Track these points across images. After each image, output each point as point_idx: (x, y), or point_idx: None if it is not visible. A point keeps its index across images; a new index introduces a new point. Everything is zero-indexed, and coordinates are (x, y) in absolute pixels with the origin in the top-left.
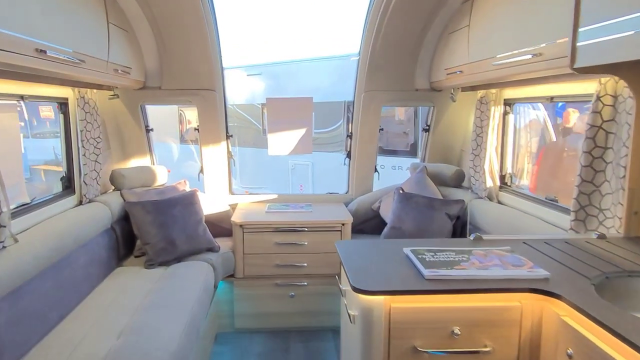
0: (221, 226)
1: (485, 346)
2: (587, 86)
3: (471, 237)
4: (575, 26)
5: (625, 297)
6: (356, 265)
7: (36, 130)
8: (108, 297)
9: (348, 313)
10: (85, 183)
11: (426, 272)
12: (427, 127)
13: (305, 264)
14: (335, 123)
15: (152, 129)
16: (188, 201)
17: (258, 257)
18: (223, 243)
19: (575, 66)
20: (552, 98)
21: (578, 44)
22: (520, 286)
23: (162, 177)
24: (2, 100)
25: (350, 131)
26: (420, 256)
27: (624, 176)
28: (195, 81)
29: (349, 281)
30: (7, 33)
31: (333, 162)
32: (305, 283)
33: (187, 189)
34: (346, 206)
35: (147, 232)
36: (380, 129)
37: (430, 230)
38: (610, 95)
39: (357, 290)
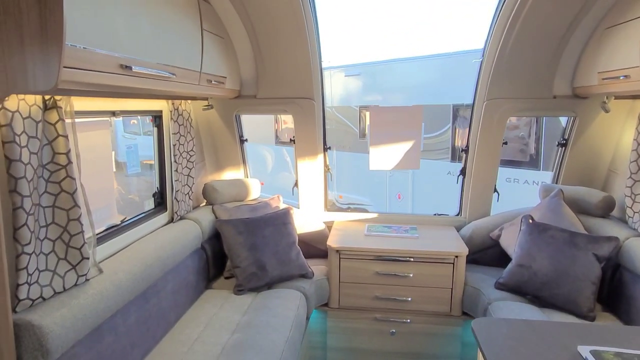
0: (316, 247)
1: None
2: None
3: None
4: None
5: None
6: None
7: (148, 127)
8: (194, 331)
9: None
10: (177, 200)
11: None
12: (564, 141)
13: (410, 299)
14: (440, 128)
15: (246, 140)
16: (281, 221)
17: (355, 287)
18: (317, 267)
19: None
20: None
21: None
22: None
23: (255, 191)
24: (92, 118)
25: (466, 145)
26: None
27: None
28: (293, 89)
29: None
30: (89, 50)
31: (437, 170)
32: (409, 320)
33: (281, 205)
34: (458, 231)
35: (237, 255)
36: (504, 143)
37: (571, 274)
38: None
39: None
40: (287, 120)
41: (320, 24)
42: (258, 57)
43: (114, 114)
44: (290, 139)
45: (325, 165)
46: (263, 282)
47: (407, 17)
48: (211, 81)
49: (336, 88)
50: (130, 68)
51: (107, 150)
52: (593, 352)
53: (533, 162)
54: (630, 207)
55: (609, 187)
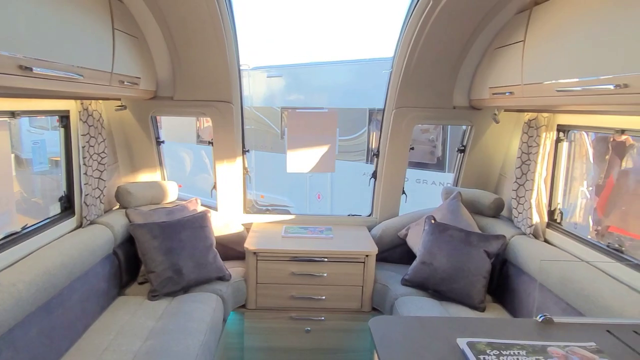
0: (234, 249)
1: None
2: None
3: (539, 319)
4: None
5: None
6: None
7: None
8: (104, 339)
9: None
10: (87, 204)
11: None
12: (463, 147)
13: (324, 297)
14: (357, 131)
15: (163, 142)
16: (198, 224)
17: (272, 288)
18: (235, 269)
19: None
20: (623, 131)
21: None
22: None
23: (172, 194)
24: None
25: (377, 149)
26: (481, 356)
27: None
28: (211, 92)
29: None
30: None
31: (354, 170)
32: (323, 318)
33: (199, 208)
34: (369, 230)
35: (152, 259)
36: (410, 148)
37: (465, 269)
38: None
39: None
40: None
41: (239, 26)
42: (175, 58)
43: (13, 114)
44: (209, 142)
45: (244, 168)
46: (179, 286)
47: (328, 22)
48: (124, 82)
49: (258, 88)
50: (31, 69)
51: (5, 153)
52: (469, 344)
53: (440, 165)
54: (516, 208)
55: (500, 190)
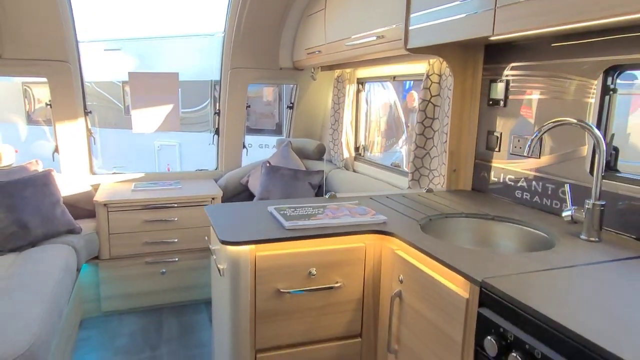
0: (83, 208)
1: (337, 282)
2: (421, 66)
3: (327, 196)
4: (408, 12)
5: (442, 233)
6: (224, 224)
7: None
8: None
9: (218, 268)
10: None
11: (287, 224)
12: (291, 105)
13: (176, 240)
14: (202, 102)
15: None
16: (41, 182)
17: (125, 237)
18: (85, 225)
19: (408, 47)
20: (394, 77)
21: (410, 28)
22: (363, 229)
23: (8, 158)
24: None
25: (218, 109)
26: (282, 212)
27: (446, 141)
28: (46, 51)
29: (217, 237)
30: None
31: (201, 141)
32: (177, 259)
33: (40, 169)
34: (216, 182)
35: None
36: (247, 106)
37: (295, 198)
38: (437, 74)
39: (225, 242)
40: (42, 99)
41: None
42: (0, 11)
43: None
44: (47, 103)
45: (87, 129)
46: (26, 241)
47: None
48: None
49: (96, 62)
50: None
51: None
52: (276, 208)
53: (279, 130)
54: (332, 149)
55: (324, 137)
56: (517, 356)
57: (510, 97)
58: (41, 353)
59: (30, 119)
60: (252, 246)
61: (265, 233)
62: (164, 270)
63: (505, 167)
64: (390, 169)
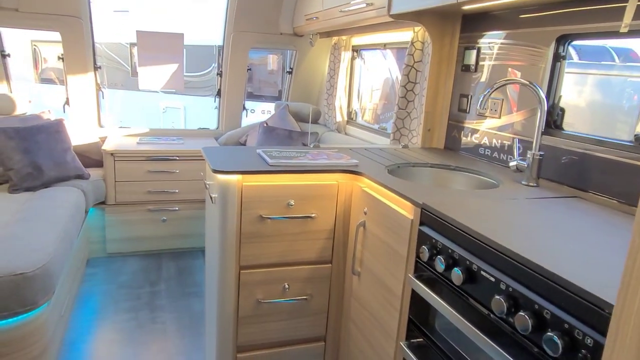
0: (90, 157)
1: (312, 213)
2: (409, 35)
3: (311, 145)
4: None
5: (406, 178)
6: (217, 159)
7: None
8: None
9: (210, 197)
10: None
11: (270, 161)
12: (290, 70)
13: (177, 190)
14: (207, 67)
15: (9, 55)
16: (53, 129)
17: (130, 185)
18: (93, 172)
19: (391, 13)
20: (385, 45)
21: None
22: (337, 169)
23: (22, 106)
24: None
25: (220, 70)
26: (268, 154)
27: (424, 103)
28: (59, 6)
29: (210, 168)
30: None
31: (205, 105)
32: (177, 208)
33: (52, 118)
34: (216, 140)
35: (9, 158)
36: (248, 69)
37: None
38: (420, 41)
39: (216, 171)
40: (48, 59)
41: None
42: None
43: None
44: (59, 57)
45: (97, 84)
46: (40, 181)
47: None
48: None
49: (104, 23)
50: None
51: None
52: (264, 151)
53: (280, 97)
54: (327, 113)
55: (320, 103)
56: (441, 258)
57: (480, 63)
58: (55, 270)
59: (39, 77)
60: (240, 176)
61: (251, 167)
62: (165, 218)
63: (473, 127)
64: (378, 131)
